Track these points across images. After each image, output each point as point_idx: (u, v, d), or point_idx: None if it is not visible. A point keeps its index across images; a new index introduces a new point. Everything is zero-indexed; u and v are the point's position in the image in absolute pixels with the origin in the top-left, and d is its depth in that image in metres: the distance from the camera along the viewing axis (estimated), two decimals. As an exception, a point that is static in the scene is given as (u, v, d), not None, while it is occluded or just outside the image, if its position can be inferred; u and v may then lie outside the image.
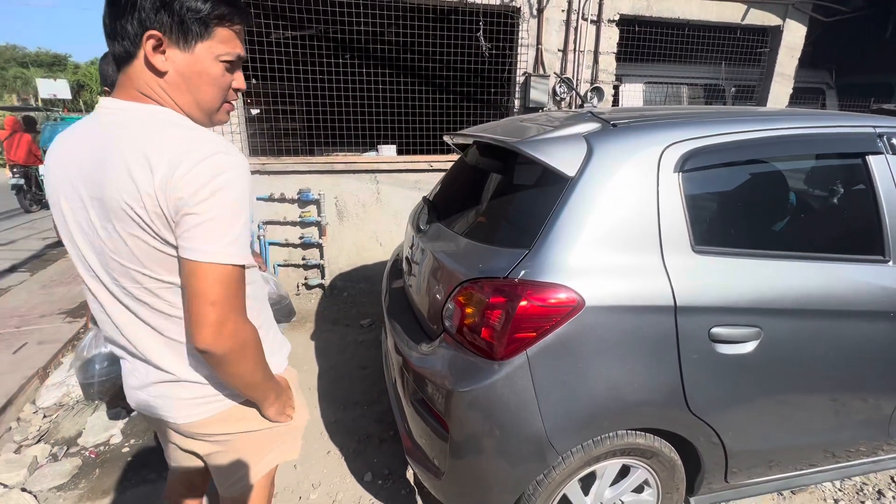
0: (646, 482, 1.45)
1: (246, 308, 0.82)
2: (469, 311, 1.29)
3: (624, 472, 1.43)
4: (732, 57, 4.52)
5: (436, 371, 1.34)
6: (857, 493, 1.92)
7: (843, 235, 1.52)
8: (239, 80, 0.87)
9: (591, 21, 3.87)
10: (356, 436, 2.20)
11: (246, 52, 0.89)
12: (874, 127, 1.49)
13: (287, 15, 3.48)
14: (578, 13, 3.81)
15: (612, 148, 1.31)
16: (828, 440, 1.54)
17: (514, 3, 3.69)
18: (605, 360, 1.22)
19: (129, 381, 0.95)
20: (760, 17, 4.29)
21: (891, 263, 1.42)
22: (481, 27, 3.70)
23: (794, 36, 4.41)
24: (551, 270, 1.21)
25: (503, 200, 1.61)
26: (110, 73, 1.72)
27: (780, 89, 4.59)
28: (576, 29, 3.84)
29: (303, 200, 3.63)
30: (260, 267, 1.77)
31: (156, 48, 0.76)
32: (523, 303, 1.18)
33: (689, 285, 1.25)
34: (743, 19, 4.24)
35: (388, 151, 4.01)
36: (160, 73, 0.78)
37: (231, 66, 0.84)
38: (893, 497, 1.89)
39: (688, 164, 1.31)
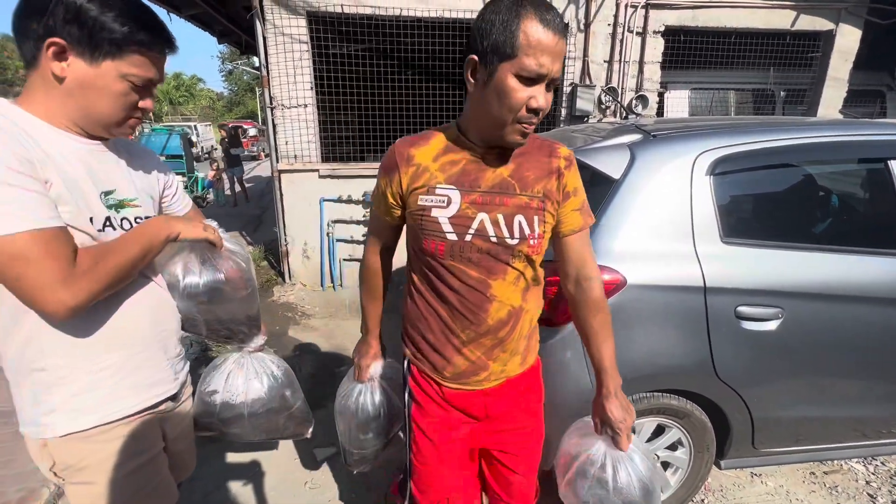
0: (679, 441, 1.68)
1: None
2: (529, 288, 1.59)
3: (659, 431, 1.67)
4: (782, 61, 4.55)
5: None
6: (891, 477, 2.04)
7: (863, 230, 1.69)
8: (147, 101, 0.88)
9: (637, 33, 4.07)
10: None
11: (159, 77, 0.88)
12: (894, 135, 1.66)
13: (347, 31, 3.92)
14: (624, 26, 4.02)
15: (652, 155, 1.57)
16: (854, 416, 1.70)
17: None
18: (642, 329, 1.48)
19: None
20: (811, 23, 4.32)
21: (910, 256, 1.59)
22: (531, 42, 3.99)
23: (848, 40, 4.40)
24: (598, 255, 1.48)
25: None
26: None
27: (833, 93, 4.57)
28: (621, 41, 4.05)
29: (367, 202, 4.05)
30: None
31: (57, 55, 0.77)
32: (575, 280, 1.46)
33: (718, 270, 1.49)
34: (793, 25, 4.29)
35: (442, 157, 4.36)
36: (59, 79, 0.79)
37: (139, 87, 0.85)
38: (927, 482, 2.00)
39: (718, 169, 1.55)
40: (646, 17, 4.01)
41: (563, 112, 4.21)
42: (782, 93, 4.91)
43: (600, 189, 1.58)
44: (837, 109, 4.63)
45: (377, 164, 1.12)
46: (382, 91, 4.21)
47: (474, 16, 3.68)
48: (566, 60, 4.08)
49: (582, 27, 3.99)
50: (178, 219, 1.01)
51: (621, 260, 1.48)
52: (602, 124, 2.25)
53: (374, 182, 1.09)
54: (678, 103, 4.87)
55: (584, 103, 4.00)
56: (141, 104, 0.87)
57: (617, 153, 1.60)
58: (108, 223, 0.87)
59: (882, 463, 2.10)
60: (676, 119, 2.29)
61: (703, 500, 1.90)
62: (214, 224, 1.10)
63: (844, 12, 4.31)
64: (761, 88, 4.92)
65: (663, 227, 1.52)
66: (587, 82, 4.09)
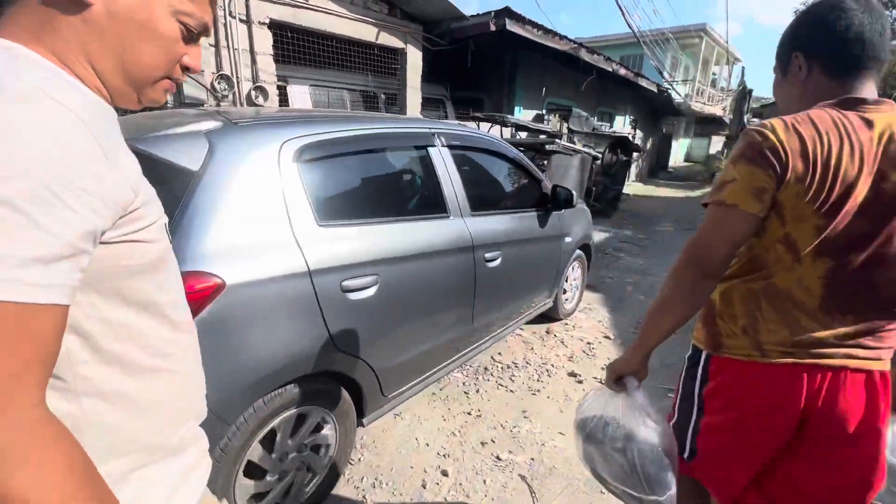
0: (323, 420, 1.75)
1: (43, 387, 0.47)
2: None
3: (302, 419, 1.68)
4: (377, 69, 5.49)
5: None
6: (475, 373, 2.88)
7: (424, 202, 2.22)
8: (194, 56, 0.65)
9: (241, 20, 3.91)
10: None
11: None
12: (430, 127, 2.22)
13: None
14: (226, 10, 3.77)
15: (234, 144, 1.47)
16: (450, 338, 2.24)
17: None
18: (257, 328, 1.41)
19: None
20: (389, 40, 5.37)
21: (451, 217, 2.18)
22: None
23: (415, 58, 5.74)
24: (189, 260, 1.28)
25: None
26: None
27: (414, 99, 5.91)
28: (225, 25, 3.80)
29: None
30: None
31: None
32: (160, 295, 1.22)
33: (318, 252, 1.57)
34: (377, 39, 5.20)
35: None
36: (81, 4, 0.52)
37: (190, 34, 0.63)
38: (492, 369, 2.93)
39: (304, 156, 1.62)
40: (247, 5, 3.90)
41: (171, 98, 3.62)
42: (383, 95, 5.96)
43: (178, 184, 1.36)
44: (418, 111, 6.03)
45: None
46: None
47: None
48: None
49: (172, 1, 3.48)
50: None
51: (216, 261, 1.33)
52: (179, 111, 1.99)
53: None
54: (301, 98, 5.10)
55: (193, 90, 3.56)
56: (187, 60, 0.64)
57: (192, 142, 1.42)
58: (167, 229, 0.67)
59: (469, 366, 2.93)
60: (262, 109, 2.33)
61: (360, 459, 2.10)
62: None
63: (409, 36, 5.57)
64: (367, 90, 5.81)
65: (258, 218, 1.46)
66: (194, 66, 3.65)
